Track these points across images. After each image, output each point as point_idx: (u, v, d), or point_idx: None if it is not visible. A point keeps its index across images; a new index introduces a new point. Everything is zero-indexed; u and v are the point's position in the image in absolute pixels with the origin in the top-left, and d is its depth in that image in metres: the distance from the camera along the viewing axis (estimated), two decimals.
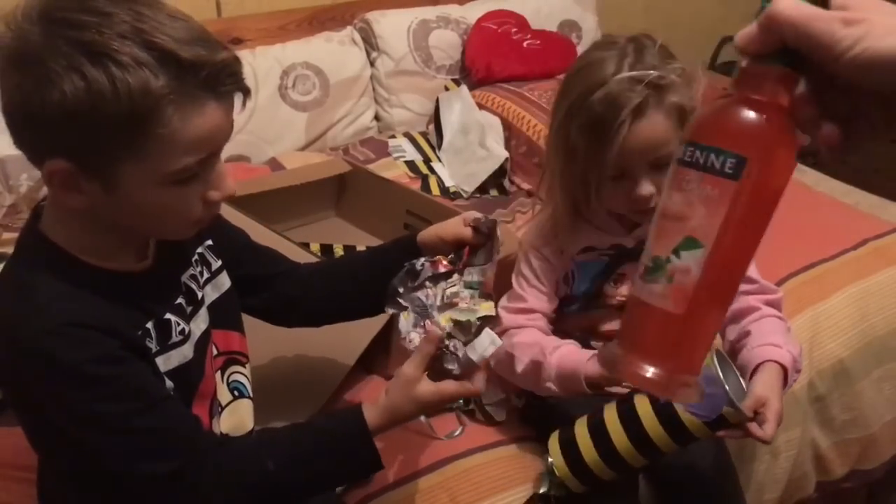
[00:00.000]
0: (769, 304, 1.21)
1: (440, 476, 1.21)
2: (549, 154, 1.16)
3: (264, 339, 1.32)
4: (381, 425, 0.94)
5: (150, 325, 0.87)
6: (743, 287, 1.20)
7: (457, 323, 0.98)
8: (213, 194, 0.85)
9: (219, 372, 1.03)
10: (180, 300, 0.93)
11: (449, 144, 2.13)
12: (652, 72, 1.05)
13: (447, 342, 0.97)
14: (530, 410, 1.30)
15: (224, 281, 1.04)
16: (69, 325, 0.78)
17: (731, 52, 3.24)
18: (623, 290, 1.21)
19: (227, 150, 2.41)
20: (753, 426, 1.05)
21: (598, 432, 1.09)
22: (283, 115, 2.16)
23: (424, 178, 2.05)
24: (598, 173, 1.09)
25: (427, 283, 1.02)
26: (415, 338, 0.99)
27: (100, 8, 0.74)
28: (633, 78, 1.05)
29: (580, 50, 2.48)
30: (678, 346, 0.67)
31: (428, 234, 1.09)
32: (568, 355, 1.13)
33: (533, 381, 1.17)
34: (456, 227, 1.06)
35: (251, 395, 1.06)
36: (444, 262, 1.04)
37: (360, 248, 1.74)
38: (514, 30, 2.38)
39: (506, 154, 2.04)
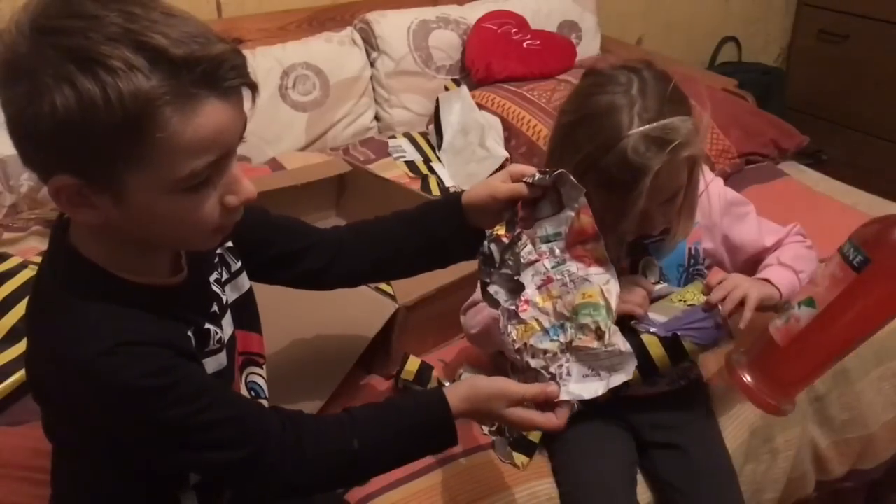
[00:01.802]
0: (787, 236, 1.27)
1: (440, 476, 1.21)
2: None
3: (263, 338, 1.32)
4: (459, 414, 0.95)
5: (190, 332, 0.87)
6: (766, 255, 1.26)
7: (582, 328, 0.96)
8: (230, 199, 0.80)
9: (238, 372, 1.03)
10: (214, 307, 0.93)
11: (449, 144, 2.13)
12: (665, 124, 1.02)
13: (552, 366, 0.96)
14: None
15: (244, 282, 1.03)
16: (124, 343, 0.77)
17: (731, 53, 3.25)
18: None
19: None
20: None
21: None
22: (284, 116, 2.16)
23: (424, 179, 2.05)
24: (614, 220, 1.08)
25: (507, 258, 1.01)
26: (511, 331, 0.98)
27: (88, 11, 0.71)
28: (647, 136, 1.01)
29: (580, 50, 2.49)
30: (774, 371, 1.01)
31: (476, 193, 1.05)
32: None
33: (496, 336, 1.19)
34: (507, 183, 1.02)
35: (268, 396, 1.06)
36: (504, 234, 1.01)
37: None
38: (514, 30, 2.38)
39: (506, 154, 2.04)
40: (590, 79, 1.12)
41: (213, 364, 0.91)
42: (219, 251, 0.99)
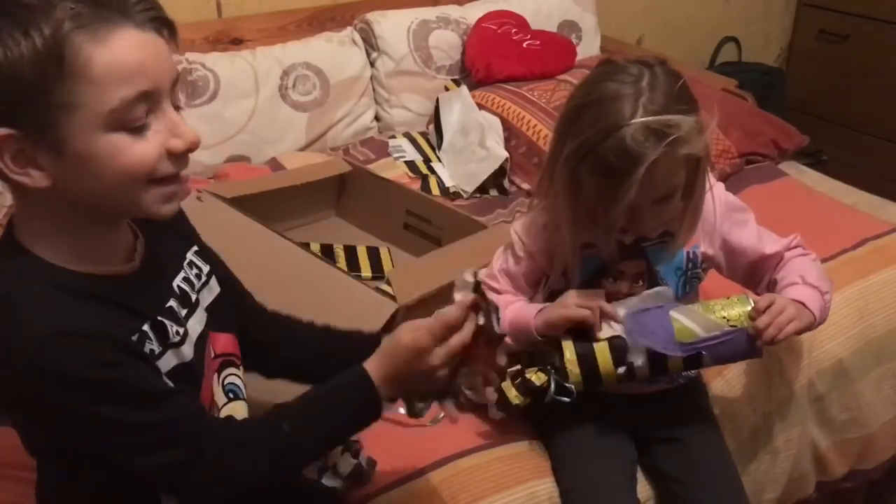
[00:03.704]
0: (791, 249, 1.26)
1: (440, 476, 1.21)
2: (554, 176, 1.15)
3: None
4: (382, 382, 0.96)
5: (146, 327, 0.87)
6: (767, 263, 1.26)
7: None
8: (174, 143, 0.81)
9: (215, 374, 1.03)
10: (172, 303, 0.92)
11: (449, 144, 2.13)
12: (667, 118, 1.03)
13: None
14: (530, 410, 1.30)
15: (215, 286, 1.04)
16: (58, 334, 0.77)
17: (731, 53, 3.25)
18: (623, 288, 1.22)
19: (228, 150, 2.42)
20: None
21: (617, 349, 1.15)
22: (284, 116, 2.16)
23: (424, 179, 2.05)
24: (605, 208, 1.09)
25: None
26: None
27: None
28: (648, 127, 1.02)
29: (580, 50, 2.49)
30: None
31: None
32: (520, 310, 1.23)
33: None
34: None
35: (245, 397, 1.06)
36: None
37: (360, 248, 1.75)
38: (514, 30, 2.38)
39: (506, 154, 2.04)
40: (603, 67, 1.14)
41: (174, 357, 0.90)
42: (189, 256, 1.00)
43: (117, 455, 0.84)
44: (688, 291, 1.25)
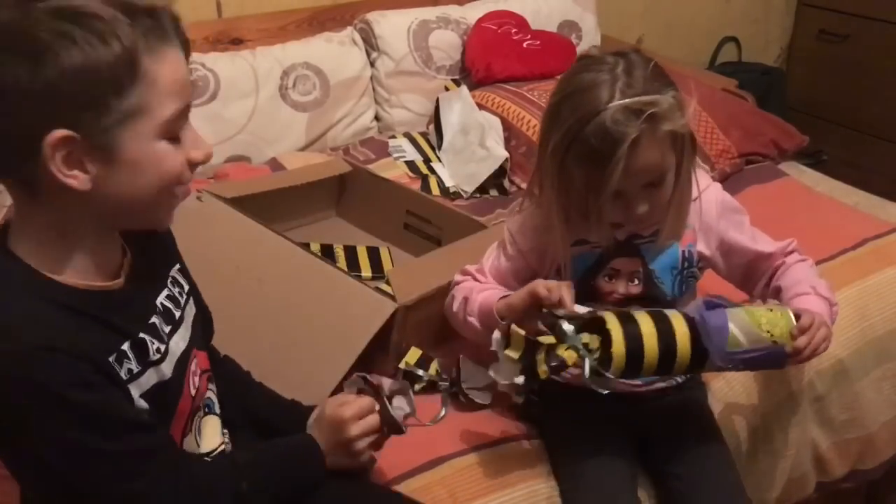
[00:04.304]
0: (789, 255, 1.27)
1: (439, 473, 1.21)
2: (543, 173, 1.16)
3: (263, 337, 1.33)
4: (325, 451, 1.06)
5: (126, 346, 0.87)
6: (764, 264, 1.27)
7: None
8: (195, 153, 0.87)
9: (207, 389, 1.05)
10: (154, 320, 0.93)
11: (449, 144, 2.13)
12: (646, 98, 1.05)
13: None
14: (530, 408, 1.31)
15: (192, 304, 1.04)
16: (39, 348, 0.78)
17: (731, 53, 3.25)
18: (619, 287, 1.22)
19: (228, 150, 2.41)
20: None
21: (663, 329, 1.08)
22: (284, 116, 2.16)
23: (424, 179, 2.05)
24: (595, 198, 1.10)
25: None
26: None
27: None
28: (627, 108, 1.04)
29: (580, 51, 2.49)
30: None
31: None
32: (490, 296, 1.23)
33: (462, 317, 1.27)
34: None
35: (219, 412, 1.07)
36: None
37: (360, 248, 1.75)
38: (514, 30, 2.38)
39: (506, 154, 2.04)
40: (579, 62, 1.16)
41: (153, 375, 0.90)
42: (172, 273, 1.01)
43: (80, 480, 0.84)
44: (684, 291, 1.25)
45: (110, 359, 0.85)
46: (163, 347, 0.92)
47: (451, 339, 1.44)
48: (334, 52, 2.25)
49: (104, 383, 0.83)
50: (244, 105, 2.10)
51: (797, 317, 1.11)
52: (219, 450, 1.04)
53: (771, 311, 1.12)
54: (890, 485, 1.74)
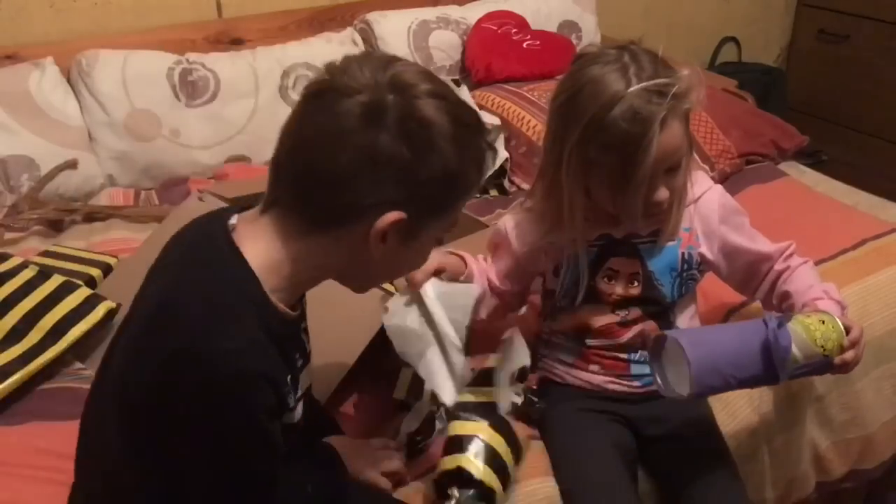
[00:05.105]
0: (790, 257, 1.27)
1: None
2: (557, 171, 1.16)
3: None
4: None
5: (289, 378, 0.90)
6: (764, 266, 1.27)
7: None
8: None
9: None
10: (301, 356, 0.97)
11: None
12: (667, 80, 1.06)
13: None
14: (530, 407, 1.31)
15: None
16: (260, 376, 0.82)
17: (731, 53, 3.25)
18: (619, 289, 1.22)
19: (228, 150, 2.41)
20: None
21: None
22: (284, 116, 2.12)
23: None
24: (624, 186, 1.10)
25: None
26: None
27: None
28: (648, 89, 1.05)
29: (576, 55, 2.48)
30: None
31: None
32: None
33: None
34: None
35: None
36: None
37: None
38: (514, 30, 2.39)
39: (506, 154, 2.04)
40: (580, 60, 1.16)
41: (291, 416, 0.94)
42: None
43: (199, 484, 0.86)
44: (683, 293, 1.25)
45: (285, 389, 0.88)
46: (298, 388, 0.96)
47: None
48: (334, 52, 2.25)
49: (278, 414, 0.87)
50: (244, 105, 2.10)
51: (847, 329, 1.10)
52: None
53: (823, 322, 1.09)
54: (890, 485, 1.74)
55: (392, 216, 0.84)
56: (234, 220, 0.91)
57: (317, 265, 0.89)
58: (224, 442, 0.82)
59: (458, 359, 1.16)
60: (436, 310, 1.17)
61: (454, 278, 1.24)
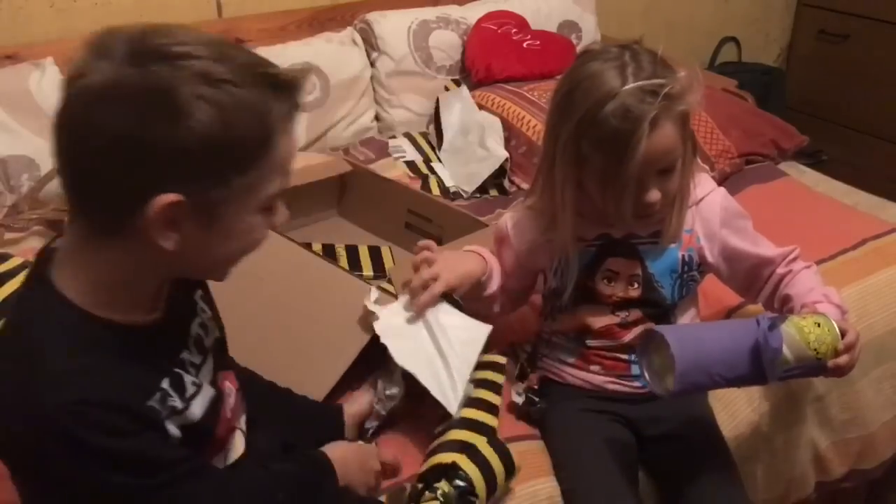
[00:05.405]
0: (793, 262, 1.27)
1: None
2: (554, 166, 1.16)
3: (264, 335, 1.33)
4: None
5: (165, 383, 0.85)
6: (766, 269, 1.28)
7: None
8: (278, 221, 0.88)
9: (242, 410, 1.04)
10: (190, 350, 0.92)
11: (449, 144, 2.14)
12: (662, 80, 1.07)
13: None
14: (530, 407, 1.31)
15: (215, 328, 1.03)
16: (85, 403, 0.76)
17: (731, 53, 3.25)
18: (618, 290, 1.22)
19: None
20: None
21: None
22: None
23: (425, 179, 2.05)
24: (613, 184, 1.10)
25: None
26: None
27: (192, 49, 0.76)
28: (643, 89, 1.06)
29: (580, 51, 2.49)
30: None
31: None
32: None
33: None
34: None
35: (243, 427, 1.06)
36: None
37: (362, 247, 1.75)
38: (514, 30, 2.39)
39: (506, 154, 2.04)
40: (582, 56, 1.18)
41: (201, 401, 0.90)
42: (195, 297, 0.99)
43: None
44: (684, 295, 1.25)
45: (150, 402, 0.82)
46: (196, 380, 0.91)
47: None
48: (334, 52, 2.25)
49: (142, 429, 0.81)
50: None
51: (843, 332, 1.10)
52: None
53: (818, 325, 1.09)
54: (890, 485, 1.74)
55: (161, 200, 0.75)
56: (57, 242, 0.85)
57: (133, 268, 0.82)
58: (84, 482, 0.79)
59: (468, 388, 1.20)
60: (439, 334, 1.18)
61: (473, 283, 1.25)
